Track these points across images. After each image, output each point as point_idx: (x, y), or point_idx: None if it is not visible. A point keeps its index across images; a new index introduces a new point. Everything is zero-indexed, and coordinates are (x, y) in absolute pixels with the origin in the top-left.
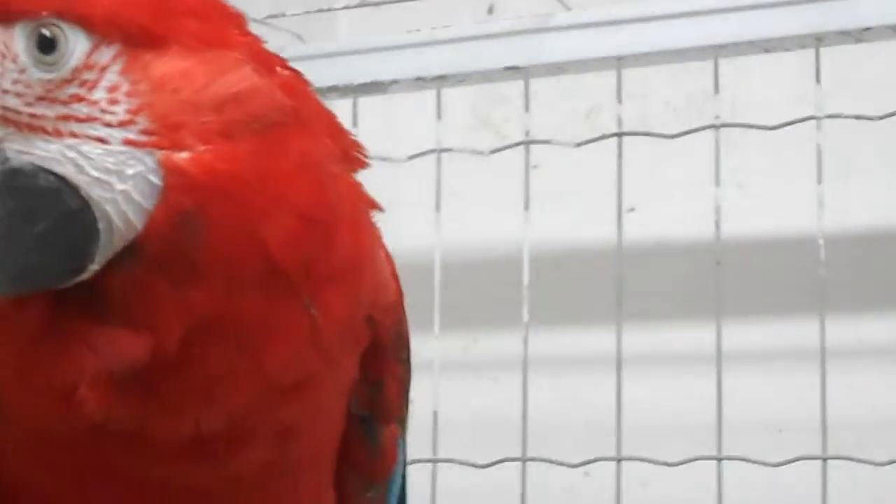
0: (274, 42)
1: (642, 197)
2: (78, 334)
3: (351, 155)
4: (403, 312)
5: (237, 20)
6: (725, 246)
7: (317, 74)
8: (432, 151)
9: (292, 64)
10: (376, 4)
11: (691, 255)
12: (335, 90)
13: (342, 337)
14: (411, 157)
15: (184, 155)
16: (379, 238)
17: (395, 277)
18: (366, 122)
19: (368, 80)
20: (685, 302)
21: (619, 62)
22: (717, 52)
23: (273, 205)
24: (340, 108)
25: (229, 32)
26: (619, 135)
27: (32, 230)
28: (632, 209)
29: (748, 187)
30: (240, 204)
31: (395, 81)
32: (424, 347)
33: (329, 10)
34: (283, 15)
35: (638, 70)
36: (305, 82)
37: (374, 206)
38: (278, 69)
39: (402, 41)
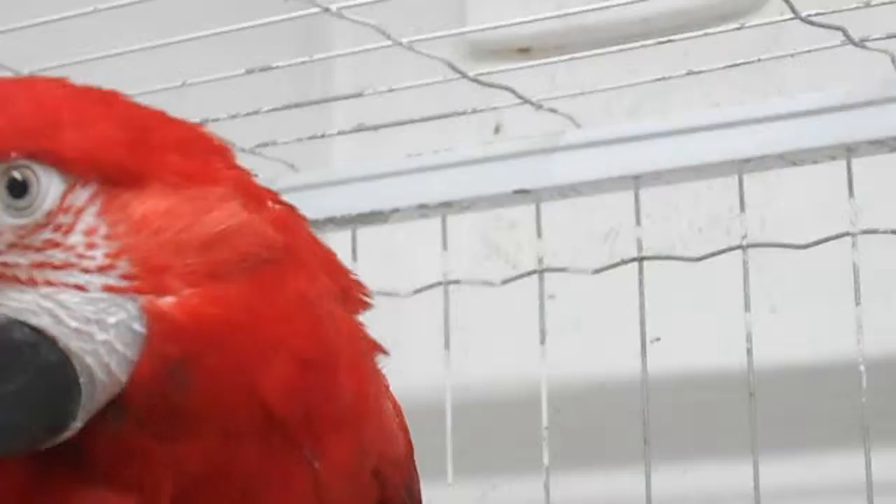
0: (265, 172)
1: (667, 325)
2: (64, 497)
3: (352, 295)
4: (414, 468)
5: (223, 153)
6: (759, 375)
7: (312, 205)
8: (439, 284)
9: (285, 195)
10: (374, 129)
11: (722, 386)
12: (332, 221)
13: (347, 492)
14: (417, 291)
15: (168, 299)
16: (384, 385)
17: (405, 430)
18: (366, 254)
19: (368, 209)
20: (718, 437)
21: (637, 181)
22: (741, 167)
23: (268, 349)
24: (338, 241)
25: (214, 166)
26: (640, 259)
27: (7, 388)
28: (657, 339)
29: (781, 311)
30: (231, 350)
31: (396, 210)
32: (438, 497)
33: (323, 136)
34: (275, 143)
35: (657, 189)
36: (300, 217)
37: (378, 349)
38: (269, 203)
39: (402, 166)
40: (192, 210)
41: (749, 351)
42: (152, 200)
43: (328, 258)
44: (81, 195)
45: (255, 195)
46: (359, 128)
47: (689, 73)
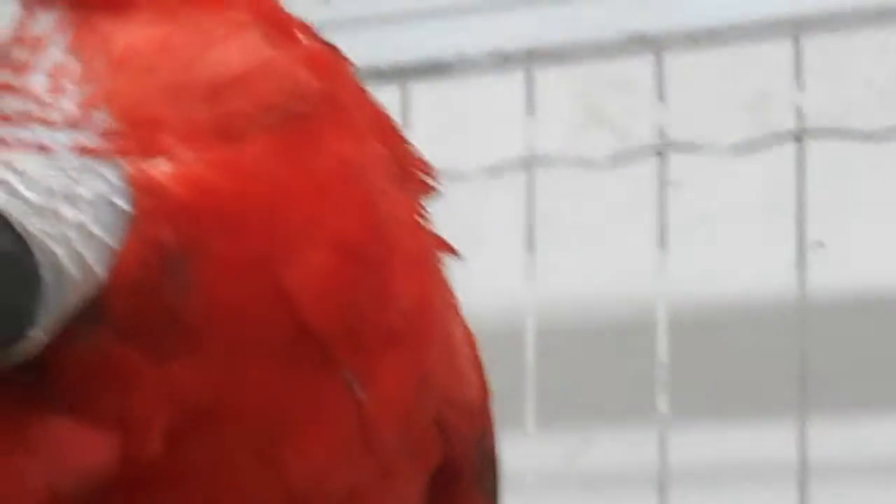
0: (288, 6)
1: (835, 227)
2: (17, 434)
3: (411, 172)
4: (490, 419)
5: None
6: None
7: (349, 51)
8: (521, 163)
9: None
10: None
11: None
12: (376, 74)
13: (401, 438)
14: (490, 172)
15: (163, 166)
16: (454, 300)
17: (479, 368)
18: (421, 118)
19: (424, 57)
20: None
21: (797, 27)
22: None
23: (297, 233)
24: (383, 99)
25: None
26: (799, 134)
27: None
28: (819, 244)
29: None
30: (248, 234)
31: (463, 59)
32: (513, 454)
33: None
34: None
35: (824, 37)
36: (343, 60)
37: (446, 247)
38: (301, 37)
39: (472, 1)
40: (194, 42)
41: None
42: (141, 30)
43: (381, 119)
44: (45, 21)
45: (281, 25)
46: None
47: None
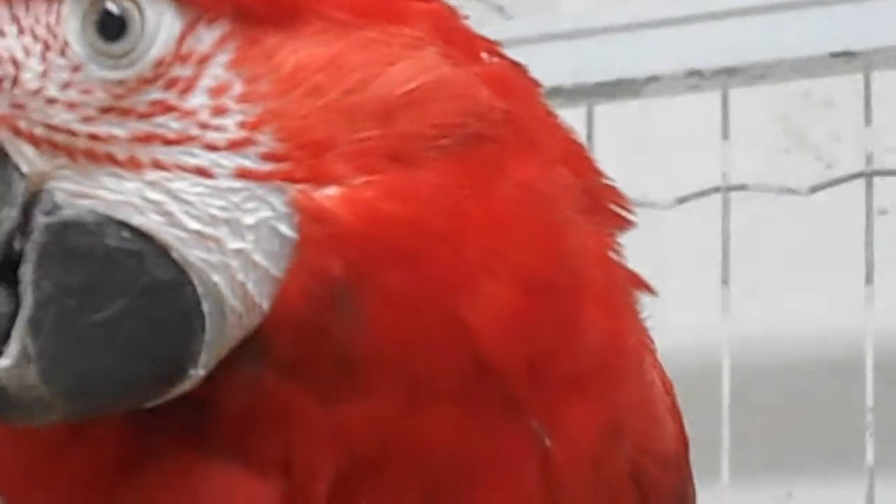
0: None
1: None
2: (172, 476)
3: (602, 202)
4: (689, 471)
5: None
6: None
7: (531, 67)
8: (716, 190)
9: None
10: None
11: None
12: (558, 93)
13: (590, 488)
14: (682, 200)
15: (331, 191)
16: (649, 341)
17: (677, 416)
18: (606, 141)
19: (611, 76)
20: None
21: None
22: None
23: (478, 266)
24: (570, 120)
25: None
26: None
27: (98, 316)
28: None
29: None
30: (423, 266)
31: (653, 78)
32: None
33: None
34: None
35: None
36: (529, 79)
37: (640, 285)
38: (484, 55)
39: (663, 14)
40: (366, 60)
41: None
42: (309, 46)
43: (571, 145)
44: (206, 37)
45: (461, 40)
46: None
47: None
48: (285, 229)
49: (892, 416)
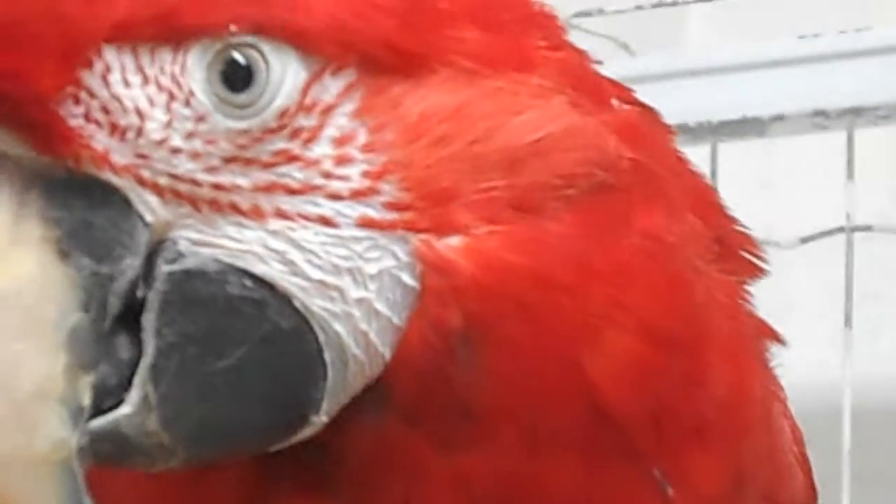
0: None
1: None
2: None
3: (734, 251)
4: None
5: (544, 22)
6: None
7: (655, 104)
8: (840, 231)
9: None
10: None
11: None
12: (683, 131)
13: None
14: (805, 240)
15: (454, 241)
16: (779, 391)
17: (806, 467)
18: (730, 179)
19: (736, 115)
20: None
21: None
22: None
23: (601, 317)
24: (694, 158)
25: (529, 44)
26: None
27: (220, 364)
28: None
29: None
30: (546, 317)
31: (778, 117)
32: None
33: (674, 3)
34: (601, 12)
35: None
36: (660, 125)
37: (770, 335)
38: (614, 102)
39: (790, 52)
40: (493, 109)
41: None
42: (436, 95)
43: (700, 190)
44: (332, 86)
45: (591, 88)
46: None
47: None
48: (408, 279)
49: None
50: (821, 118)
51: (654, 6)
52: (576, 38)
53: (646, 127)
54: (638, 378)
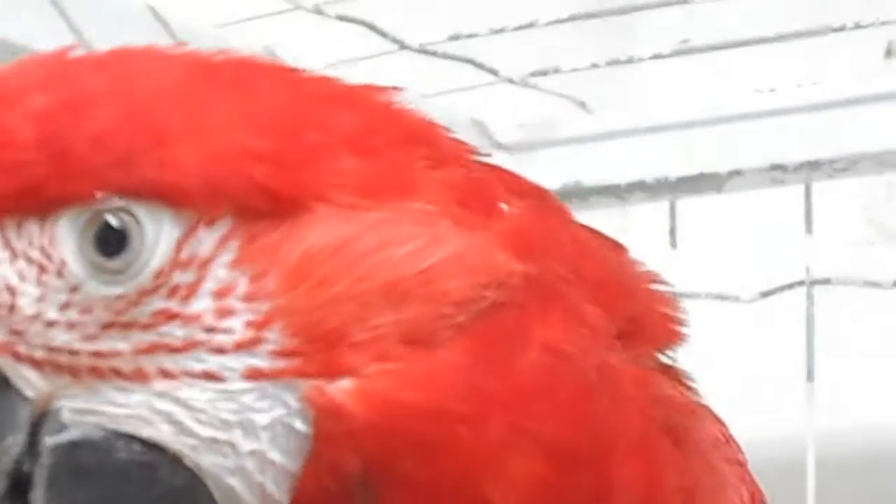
0: (542, 113)
1: None
2: None
3: (646, 324)
4: None
5: (425, 139)
6: None
7: (610, 163)
8: (800, 284)
9: (573, 146)
10: (702, 50)
11: None
12: (641, 188)
13: None
14: (765, 294)
15: (345, 384)
16: (734, 458)
17: None
18: (690, 237)
19: (693, 171)
20: None
21: None
22: None
23: (502, 444)
24: (651, 216)
25: (410, 166)
26: None
27: None
28: None
29: None
30: (444, 452)
31: (736, 173)
32: None
33: (630, 61)
34: (556, 70)
35: None
36: (555, 214)
37: (689, 411)
38: (504, 206)
39: (745, 107)
40: (376, 243)
41: None
42: (315, 235)
43: (603, 272)
44: (206, 240)
45: (478, 199)
46: (680, 49)
47: None
48: (300, 426)
49: None
50: (778, 172)
51: (609, 64)
52: (532, 97)
53: (539, 225)
54: (543, 500)
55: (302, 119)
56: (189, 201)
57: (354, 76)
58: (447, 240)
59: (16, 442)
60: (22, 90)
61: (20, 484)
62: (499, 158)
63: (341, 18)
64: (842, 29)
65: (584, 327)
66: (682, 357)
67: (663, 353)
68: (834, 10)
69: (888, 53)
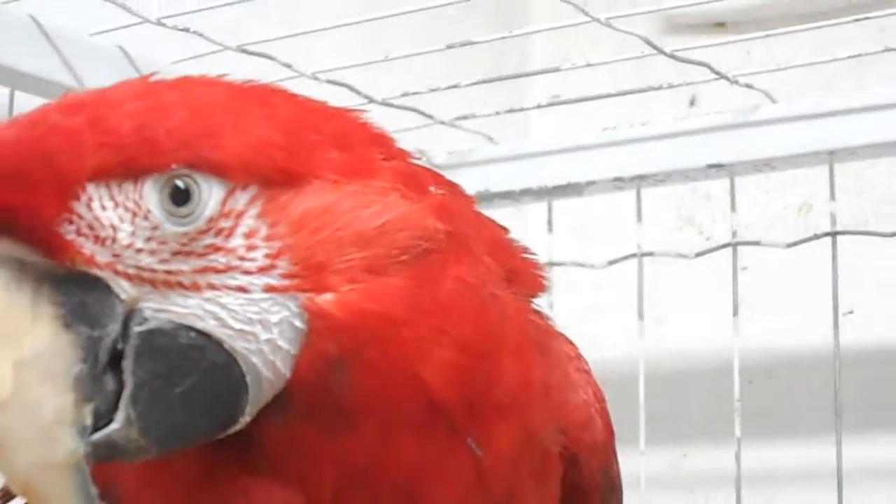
0: (464, 144)
1: (860, 299)
2: (235, 485)
3: (522, 276)
4: (613, 453)
5: (382, 142)
6: None
7: (509, 176)
8: (633, 256)
9: (483, 167)
10: (570, 102)
11: None
12: (528, 193)
13: (514, 478)
14: (611, 263)
15: (327, 297)
16: (570, 370)
17: (604, 417)
18: (562, 225)
19: (563, 181)
20: None
21: (831, 156)
22: None
23: (430, 340)
24: (535, 212)
25: (372, 158)
26: (834, 234)
27: (177, 389)
28: (849, 312)
29: None
30: (392, 343)
31: (591, 182)
32: (630, 464)
33: (521, 109)
34: (474, 116)
35: (852, 164)
36: (465, 198)
37: (550, 334)
38: (432, 189)
39: (598, 140)
40: (350, 206)
41: None
42: (311, 199)
43: (495, 238)
44: (241, 199)
45: (415, 182)
46: (555, 101)
47: (887, 49)
48: (298, 323)
49: (750, 403)
50: (619, 182)
51: (508, 111)
52: (457, 133)
53: (454, 203)
54: (457, 378)
55: (304, 124)
56: (230, 173)
57: None
58: (396, 206)
59: (114, 329)
60: (122, 98)
61: (116, 357)
62: None
63: (313, 78)
64: (660, 88)
65: (483, 268)
66: (561, 304)
67: (533, 297)
68: (655, 75)
69: (691, 103)
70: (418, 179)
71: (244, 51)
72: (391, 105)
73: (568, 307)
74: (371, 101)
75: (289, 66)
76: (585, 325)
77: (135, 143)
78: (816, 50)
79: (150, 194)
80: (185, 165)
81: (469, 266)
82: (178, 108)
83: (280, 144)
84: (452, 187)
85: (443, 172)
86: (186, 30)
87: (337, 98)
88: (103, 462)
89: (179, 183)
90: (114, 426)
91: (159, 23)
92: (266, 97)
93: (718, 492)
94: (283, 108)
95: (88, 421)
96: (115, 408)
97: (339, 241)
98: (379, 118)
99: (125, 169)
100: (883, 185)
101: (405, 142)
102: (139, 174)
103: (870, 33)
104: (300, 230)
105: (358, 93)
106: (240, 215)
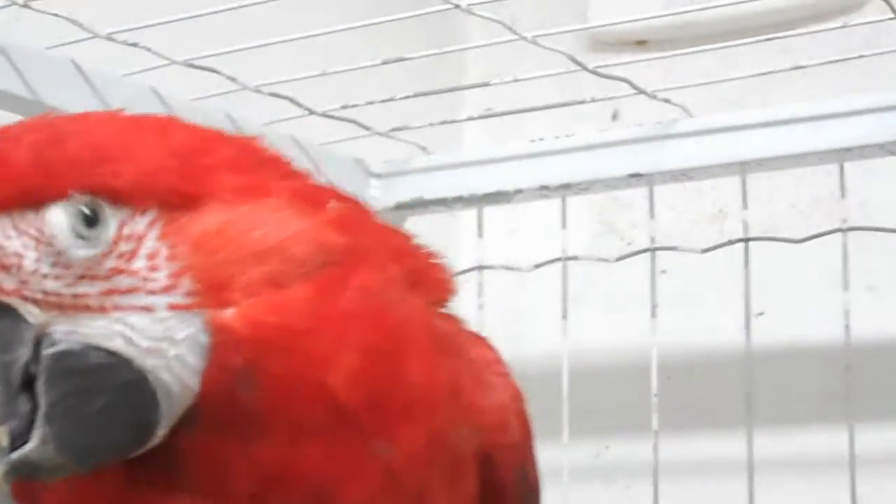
0: (399, 154)
1: (771, 301)
2: (152, 498)
3: (427, 280)
4: (531, 453)
5: (276, 164)
6: (855, 350)
7: (442, 185)
8: (558, 260)
9: (418, 176)
10: (500, 115)
11: (821, 359)
12: (460, 200)
13: (426, 478)
14: (537, 266)
15: (230, 312)
16: (478, 368)
17: (522, 418)
18: (492, 231)
19: (493, 189)
20: (816, 406)
21: (743, 167)
22: (842, 155)
23: (332, 346)
24: (466, 219)
25: (267, 179)
26: (746, 240)
27: (89, 408)
28: (760, 313)
29: (877, 290)
30: (294, 352)
31: (519, 191)
32: (554, 456)
33: (454, 121)
34: (408, 127)
35: (762, 174)
36: (363, 211)
37: (460, 337)
38: (330, 204)
39: (526, 150)
40: (246, 225)
41: (847, 327)
42: (208, 220)
43: (399, 246)
44: (141, 223)
45: (311, 200)
46: (486, 114)
47: (795, 67)
48: (203, 339)
49: (667, 398)
50: (545, 190)
51: (442, 123)
52: (393, 144)
53: (353, 215)
54: (361, 381)
55: (198, 149)
56: (127, 198)
57: (278, 133)
58: (291, 223)
59: (26, 353)
60: (20, 132)
61: (29, 379)
62: (372, 183)
63: (256, 91)
64: (584, 102)
65: (385, 275)
66: (491, 305)
67: (443, 303)
68: (580, 90)
69: (613, 117)
70: (315, 197)
71: (191, 65)
72: (331, 116)
73: (497, 308)
74: (312, 112)
75: (233, 79)
76: (514, 324)
77: (32, 173)
78: (729, 68)
79: (56, 221)
80: (83, 192)
81: (371, 273)
82: (74, 139)
83: (174, 169)
84: (353, 202)
85: (380, 181)
86: (135, 45)
87: (279, 109)
88: (22, 480)
89: (84, 209)
90: (30, 445)
91: (109, 38)
92: (161, 127)
93: (637, 481)
94: (176, 136)
95: (5, 442)
96: (30, 428)
97: (237, 259)
98: (319, 129)
99: (25, 198)
100: (792, 195)
101: (344, 151)
102: (40, 203)
103: (774, 53)
104: (199, 250)
105: (299, 105)
106: (141, 238)
